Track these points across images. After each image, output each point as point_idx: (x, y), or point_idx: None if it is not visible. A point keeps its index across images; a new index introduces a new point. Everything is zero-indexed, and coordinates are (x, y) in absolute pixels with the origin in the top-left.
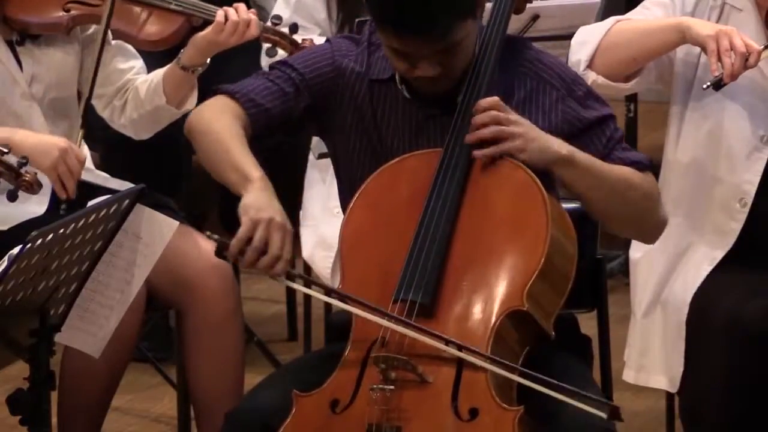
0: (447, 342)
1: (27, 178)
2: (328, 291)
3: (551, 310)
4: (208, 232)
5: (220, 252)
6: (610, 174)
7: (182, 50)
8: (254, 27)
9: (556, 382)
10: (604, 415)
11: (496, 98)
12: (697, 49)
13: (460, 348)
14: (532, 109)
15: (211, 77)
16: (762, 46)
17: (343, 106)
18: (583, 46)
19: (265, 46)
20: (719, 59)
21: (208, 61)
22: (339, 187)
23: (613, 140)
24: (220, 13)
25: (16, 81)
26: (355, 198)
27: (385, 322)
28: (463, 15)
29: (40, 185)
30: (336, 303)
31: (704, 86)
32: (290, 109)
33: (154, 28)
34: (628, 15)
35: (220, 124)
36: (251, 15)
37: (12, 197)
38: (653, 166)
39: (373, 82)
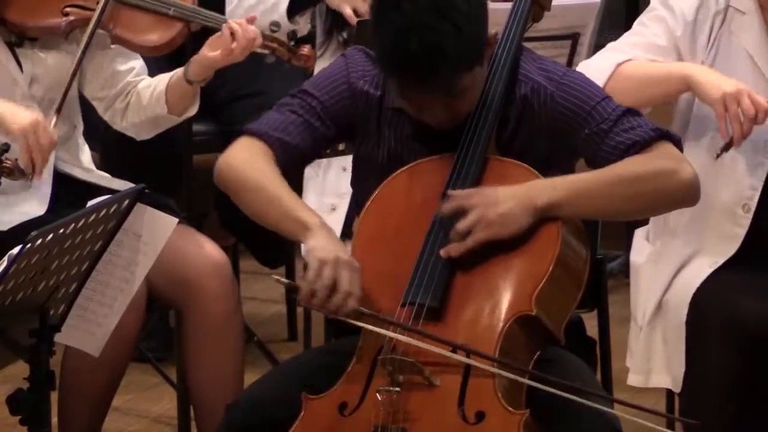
0: (454, 349)
1: (8, 165)
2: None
3: (562, 315)
4: (276, 277)
5: (291, 294)
6: (605, 185)
7: (188, 64)
8: (258, 40)
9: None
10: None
11: (470, 222)
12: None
13: (468, 354)
14: (526, 119)
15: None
16: None
17: (358, 124)
18: None
19: (264, 53)
20: (728, 121)
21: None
22: (353, 190)
23: (608, 123)
24: (226, 37)
25: (16, 82)
26: (368, 203)
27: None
28: (468, 66)
29: (21, 172)
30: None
31: (716, 157)
32: (318, 139)
33: (153, 34)
34: (627, 42)
35: (259, 173)
36: (255, 32)
37: None
38: (663, 133)
39: (387, 109)
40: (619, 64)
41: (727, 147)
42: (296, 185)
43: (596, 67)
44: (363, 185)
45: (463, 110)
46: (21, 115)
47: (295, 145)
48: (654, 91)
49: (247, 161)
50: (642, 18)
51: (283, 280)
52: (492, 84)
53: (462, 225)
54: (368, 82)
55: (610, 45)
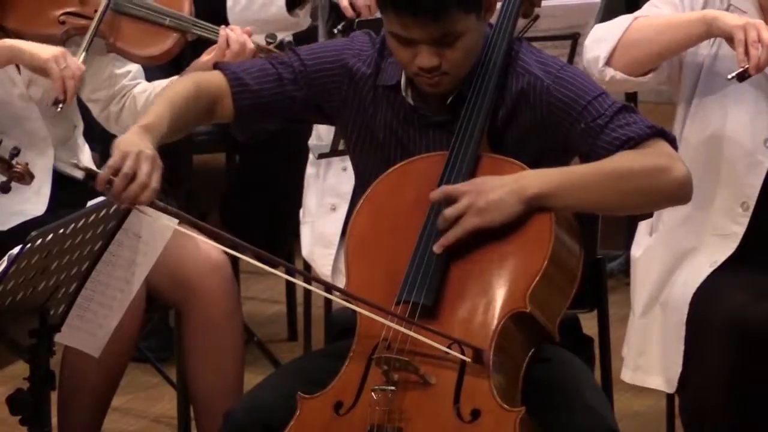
0: (450, 343)
1: (18, 169)
2: (210, 233)
3: (556, 312)
4: (74, 161)
5: (88, 182)
6: (597, 177)
7: (184, 72)
8: (249, 46)
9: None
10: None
11: (459, 207)
12: (703, 50)
13: (462, 349)
14: (521, 112)
15: None
16: None
17: (348, 105)
18: (601, 43)
19: None
20: (746, 51)
21: None
22: (355, 181)
23: (604, 118)
24: (221, 41)
25: (14, 83)
26: (361, 200)
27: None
28: (463, 6)
29: (31, 176)
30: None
31: (729, 77)
32: (283, 95)
33: (150, 44)
34: (642, 12)
35: (176, 89)
36: (245, 37)
37: (5, 189)
38: (658, 131)
39: (379, 87)
40: (636, 18)
41: (741, 75)
42: (297, 185)
43: (611, 24)
44: (361, 165)
45: (456, 63)
46: (49, 47)
47: (253, 89)
48: (671, 36)
49: (184, 80)
50: (653, 0)
51: (81, 165)
52: (485, 73)
53: (451, 210)
54: (361, 60)
55: (620, 18)
